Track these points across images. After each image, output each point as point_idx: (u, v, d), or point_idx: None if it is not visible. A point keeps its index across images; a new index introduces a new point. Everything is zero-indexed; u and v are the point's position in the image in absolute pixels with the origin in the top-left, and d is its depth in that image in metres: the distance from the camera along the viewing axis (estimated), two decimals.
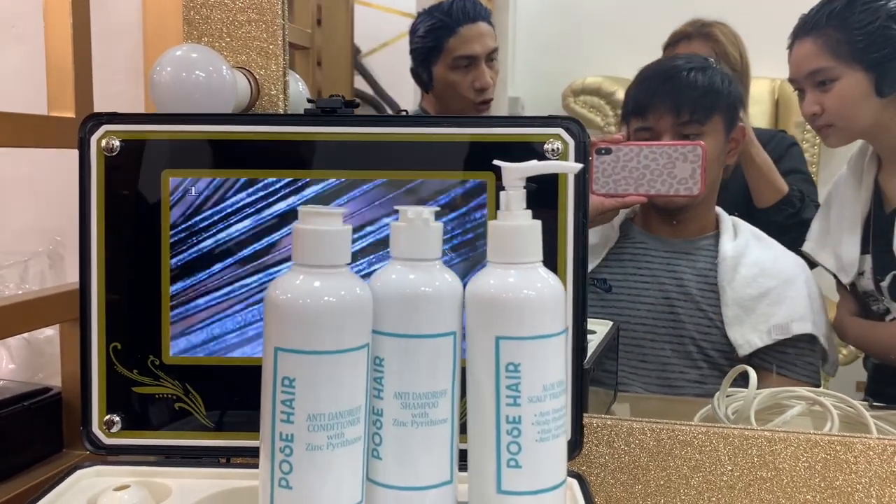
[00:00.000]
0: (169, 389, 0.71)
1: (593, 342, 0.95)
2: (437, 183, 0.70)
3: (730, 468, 0.77)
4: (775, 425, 0.85)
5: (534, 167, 0.55)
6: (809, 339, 1.08)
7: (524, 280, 0.54)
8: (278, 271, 0.70)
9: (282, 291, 0.52)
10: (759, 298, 1.08)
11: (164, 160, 0.71)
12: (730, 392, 0.91)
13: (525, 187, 0.55)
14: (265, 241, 0.71)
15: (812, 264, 1.11)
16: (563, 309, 0.55)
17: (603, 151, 1.04)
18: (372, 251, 0.70)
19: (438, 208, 0.56)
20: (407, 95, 1.42)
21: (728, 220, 1.13)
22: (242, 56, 0.81)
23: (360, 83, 1.43)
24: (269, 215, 0.70)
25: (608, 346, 0.99)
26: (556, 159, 0.69)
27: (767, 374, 1.04)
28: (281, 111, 0.81)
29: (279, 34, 0.81)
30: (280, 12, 0.80)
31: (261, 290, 0.70)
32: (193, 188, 0.71)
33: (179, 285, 0.71)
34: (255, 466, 0.55)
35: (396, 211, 0.56)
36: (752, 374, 0.88)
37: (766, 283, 1.09)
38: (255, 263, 0.71)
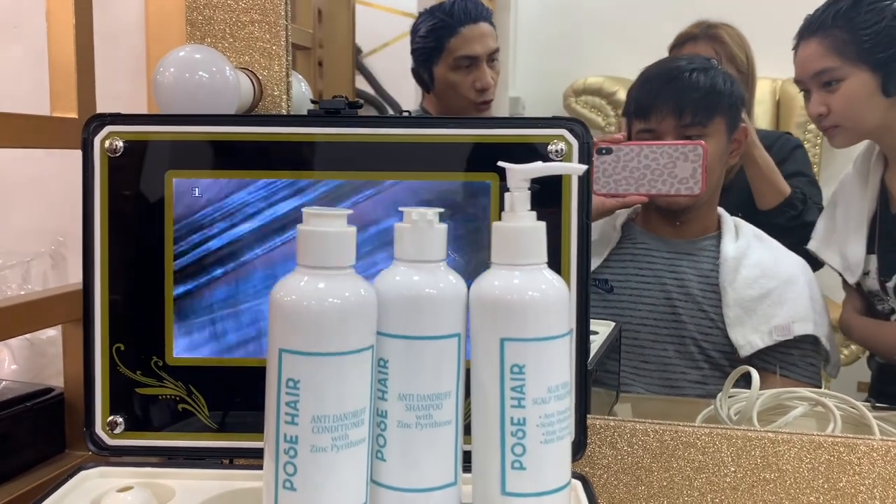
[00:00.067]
0: (172, 390, 0.71)
1: (595, 343, 0.94)
2: (440, 184, 0.70)
3: (733, 469, 0.77)
4: (778, 426, 0.85)
5: (538, 168, 0.55)
6: (811, 340, 1.08)
7: (529, 281, 0.54)
8: (282, 273, 0.70)
9: (286, 293, 0.52)
10: (760, 299, 1.08)
11: (168, 161, 0.71)
12: (732, 393, 0.91)
13: (529, 188, 0.55)
14: (268, 243, 0.70)
15: (815, 265, 1.11)
16: (567, 310, 0.55)
17: (603, 151, 1.04)
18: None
19: (443, 209, 0.56)
20: (408, 95, 1.42)
21: (730, 221, 1.13)
22: (245, 57, 0.81)
23: (361, 83, 1.43)
24: (272, 216, 0.70)
25: (610, 346, 0.99)
26: (560, 160, 0.69)
27: (769, 375, 1.04)
28: (284, 112, 0.81)
29: (282, 35, 0.81)
30: (283, 13, 0.80)
31: (265, 292, 0.70)
32: (197, 189, 0.71)
33: (182, 286, 0.71)
34: (259, 468, 0.55)
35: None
36: (755, 375, 0.88)
37: (767, 283, 1.09)
38: (259, 264, 0.71)
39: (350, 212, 0.53)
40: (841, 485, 0.76)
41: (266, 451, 0.53)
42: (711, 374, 1.09)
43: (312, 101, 0.73)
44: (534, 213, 0.55)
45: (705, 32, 1.24)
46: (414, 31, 1.33)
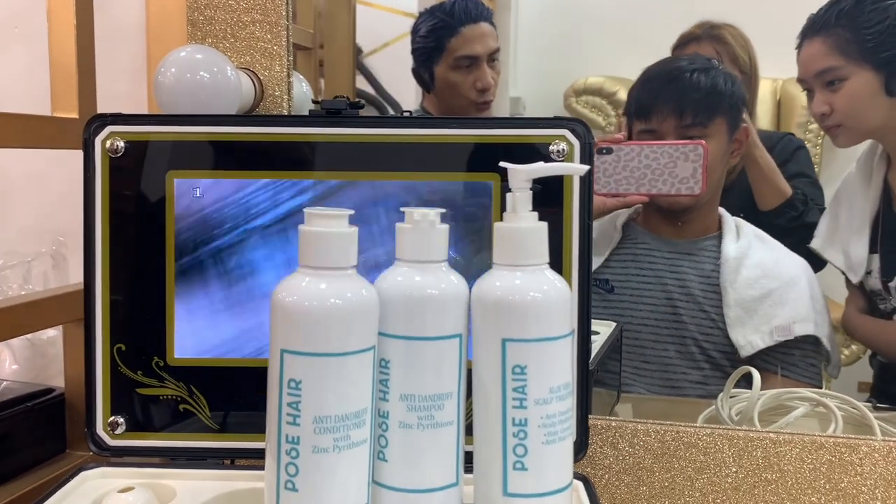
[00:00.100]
0: (173, 391, 0.71)
1: (596, 343, 0.94)
2: (442, 184, 0.70)
3: (734, 470, 0.77)
4: (779, 427, 0.85)
5: (540, 169, 0.55)
6: (812, 340, 1.08)
7: (530, 282, 0.54)
8: (283, 273, 0.70)
9: (288, 293, 0.52)
10: (761, 299, 1.08)
11: (169, 161, 0.71)
12: (733, 393, 0.91)
13: (530, 188, 0.55)
14: (269, 243, 0.70)
15: (816, 266, 1.11)
16: (569, 311, 0.55)
17: (604, 151, 1.03)
18: None
19: (444, 210, 0.56)
20: (408, 95, 1.42)
21: (731, 221, 1.13)
22: (246, 57, 0.81)
23: (362, 83, 1.43)
24: (273, 217, 0.70)
25: (611, 347, 0.99)
26: (562, 161, 0.68)
27: (769, 376, 1.04)
28: (285, 112, 0.81)
29: (283, 35, 0.81)
30: (284, 13, 0.80)
31: (266, 292, 0.70)
32: (198, 189, 0.71)
33: (184, 286, 0.70)
34: (260, 468, 0.55)
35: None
36: (756, 375, 0.88)
37: (768, 284, 1.09)
38: (260, 265, 0.71)
39: (352, 212, 0.53)
40: (842, 485, 0.76)
41: (267, 452, 0.53)
42: (712, 375, 1.09)
43: (314, 102, 0.72)
44: (535, 214, 0.55)
45: (708, 33, 1.24)
46: (414, 30, 1.33)
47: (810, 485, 0.76)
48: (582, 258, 0.69)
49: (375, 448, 0.55)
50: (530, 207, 0.55)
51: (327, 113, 0.71)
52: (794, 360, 1.08)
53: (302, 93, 0.85)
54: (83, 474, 0.68)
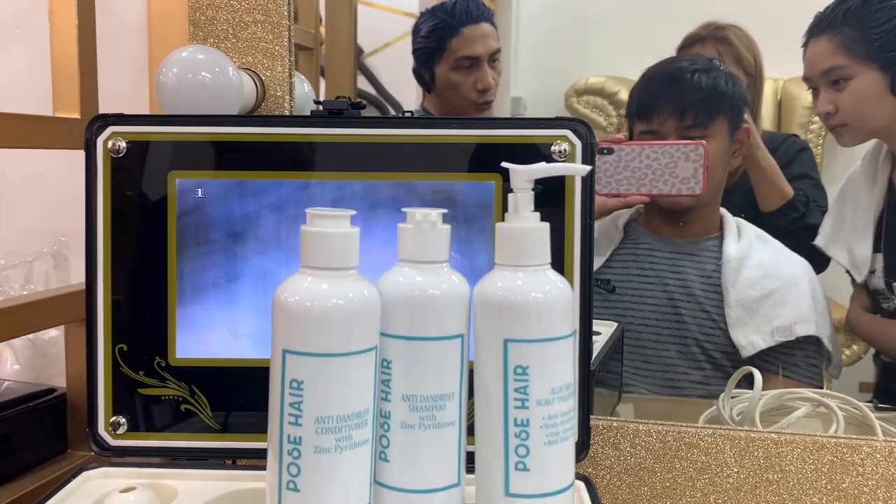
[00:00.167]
0: (175, 391, 0.71)
1: (598, 343, 0.94)
2: (443, 184, 0.70)
3: (736, 470, 0.77)
4: (781, 427, 0.85)
5: (542, 169, 0.55)
6: (813, 340, 1.08)
7: (532, 283, 0.54)
8: (285, 273, 0.70)
9: (290, 294, 0.52)
10: (762, 300, 1.08)
11: (171, 161, 0.71)
12: (734, 393, 0.91)
13: (531, 189, 0.55)
14: (271, 243, 0.70)
15: (818, 267, 1.11)
16: (570, 311, 0.55)
17: (605, 151, 1.03)
18: None
19: (446, 210, 0.56)
20: (409, 95, 1.42)
21: (732, 222, 1.13)
22: (248, 57, 0.81)
23: (363, 83, 1.43)
24: (275, 217, 0.70)
25: (613, 347, 0.99)
26: (563, 161, 0.68)
27: (771, 376, 1.04)
28: (287, 113, 0.81)
29: (285, 35, 0.81)
30: (286, 13, 0.80)
31: (268, 292, 0.70)
32: (199, 189, 0.71)
33: (186, 287, 0.71)
34: (262, 468, 0.55)
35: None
36: (758, 375, 0.88)
37: (769, 284, 1.09)
38: (262, 265, 0.71)
39: (354, 212, 0.53)
40: (844, 486, 0.76)
41: (269, 452, 0.53)
42: (713, 375, 1.09)
43: (315, 102, 0.72)
44: (537, 214, 0.55)
45: (713, 34, 1.24)
46: (415, 31, 1.33)
47: (812, 485, 0.76)
48: (583, 258, 0.69)
49: (377, 448, 0.55)
50: (532, 208, 0.55)
51: (329, 113, 0.71)
52: (795, 360, 1.08)
53: (303, 93, 0.85)
54: (85, 474, 0.68)
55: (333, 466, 0.52)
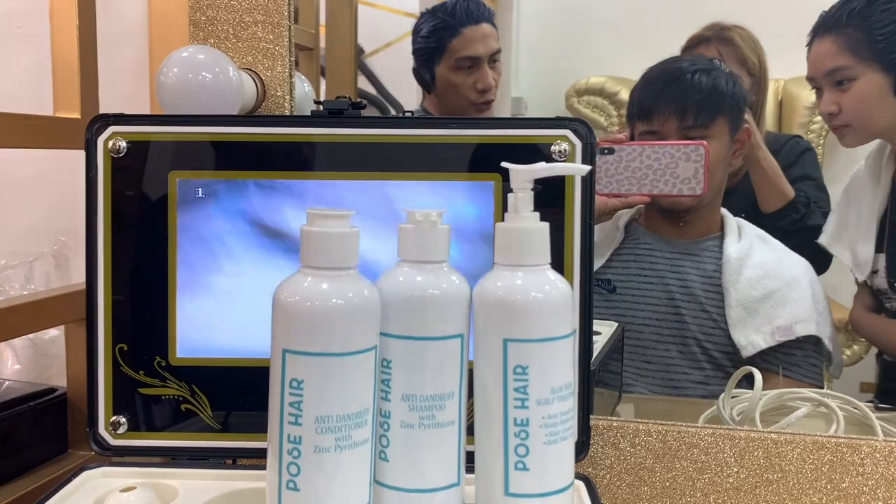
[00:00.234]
0: (175, 391, 0.71)
1: (598, 343, 0.94)
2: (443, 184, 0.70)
3: (736, 470, 0.77)
4: (781, 427, 0.85)
5: (542, 169, 0.55)
6: (814, 340, 1.08)
7: (532, 282, 0.54)
8: (285, 273, 0.70)
9: (290, 293, 0.52)
10: (762, 300, 1.08)
11: (171, 161, 0.71)
12: (734, 393, 0.91)
13: (531, 189, 0.55)
14: (271, 243, 0.70)
15: (820, 269, 1.11)
16: (570, 311, 0.55)
17: (605, 151, 1.03)
18: None
19: (446, 210, 0.56)
20: (410, 95, 1.42)
21: (733, 222, 1.13)
22: (248, 57, 0.81)
23: (364, 83, 1.43)
24: (275, 217, 0.70)
25: (613, 347, 0.99)
26: (563, 161, 0.68)
27: (771, 376, 1.04)
28: (287, 113, 0.81)
29: (285, 35, 0.81)
30: (286, 13, 0.80)
31: (268, 292, 0.70)
32: (200, 189, 0.71)
33: (186, 286, 0.71)
34: (262, 468, 0.55)
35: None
36: (758, 375, 0.88)
37: (770, 284, 1.09)
38: (262, 265, 0.71)
39: (354, 212, 0.53)
40: (844, 485, 0.76)
41: (269, 452, 0.53)
42: (714, 375, 1.09)
43: (315, 102, 0.73)
44: (537, 214, 0.55)
45: (718, 35, 1.24)
46: (416, 31, 1.33)
47: (812, 485, 0.76)
48: (583, 258, 0.69)
49: (377, 448, 0.55)
50: (532, 208, 0.55)
51: (329, 113, 0.71)
52: (795, 360, 1.08)
53: (304, 93, 0.85)
54: (85, 474, 0.68)
55: (333, 466, 0.52)
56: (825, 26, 1.05)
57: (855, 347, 1.25)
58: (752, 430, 0.78)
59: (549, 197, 0.67)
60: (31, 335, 1.08)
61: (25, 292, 1.18)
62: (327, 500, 0.52)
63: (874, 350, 1.16)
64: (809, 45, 1.07)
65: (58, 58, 0.90)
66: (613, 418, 0.80)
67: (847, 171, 1.15)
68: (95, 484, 0.67)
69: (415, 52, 1.34)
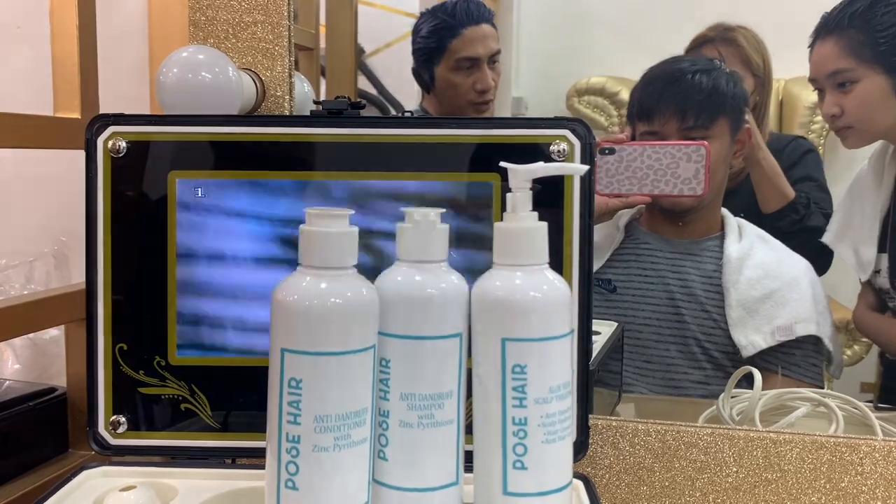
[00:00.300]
0: (175, 390, 0.71)
1: (598, 343, 0.94)
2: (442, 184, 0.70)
3: (735, 469, 0.77)
4: (780, 427, 0.85)
5: (540, 169, 0.55)
6: (813, 340, 1.08)
7: (531, 282, 0.54)
8: (284, 273, 0.70)
9: (288, 293, 0.52)
10: (763, 300, 1.08)
11: (171, 161, 0.71)
12: (734, 393, 0.91)
13: (530, 188, 0.55)
14: (271, 243, 0.71)
15: (820, 269, 1.11)
16: (569, 311, 0.55)
17: (606, 151, 1.04)
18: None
19: (444, 210, 0.56)
20: (410, 96, 1.43)
21: (733, 222, 1.13)
22: (248, 57, 0.81)
23: (364, 83, 1.43)
24: (274, 216, 0.70)
25: (612, 347, 0.99)
26: (562, 161, 0.69)
27: (771, 376, 1.04)
28: (287, 113, 0.81)
29: (285, 35, 0.81)
30: (286, 13, 0.80)
31: (267, 292, 0.70)
32: (199, 189, 0.71)
33: (185, 286, 0.71)
34: (261, 467, 0.55)
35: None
36: (757, 375, 0.88)
37: (770, 284, 1.09)
38: (261, 264, 0.71)
39: (352, 212, 0.54)
40: (843, 485, 0.76)
41: (268, 451, 0.53)
42: (714, 375, 1.09)
43: (315, 102, 0.73)
44: (535, 214, 0.55)
45: (722, 35, 1.24)
46: (415, 31, 1.33)
47: (811, 484, 0.76)
48: (582, 258, 0.69)
49: (376, 447, 0.56)
50: (530, 207, 0.55)
51: (328, 113, 0.71)
52: (795, 359, 1.08)
53: (303, 93, 0.86)
54: (85, 473, 0.68)
55: (332, 465, 0.52)
56: (827, 28, 1.05)
57: (855, 347, 1.25)
58: (752, 430, 0.78)
59: (549, 197, 0.67)
60: (31, 335, 1.08)
61: (26, 292, 1.18)
62: (326, 499, 0.52)
63: (874, 350, 1.16)
64: (811, 46, 1.07)
65: (58, 58, 0.90)
66: (613, 418, 0.80)
67: (848, 170, 1.15)
68: (95, 483, 0.67)
69: (414, 52, 1.34)
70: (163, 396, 0.71)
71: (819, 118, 1.45)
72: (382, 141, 0.70)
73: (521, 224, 0.55)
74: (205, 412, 0.71)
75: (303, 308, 0.52)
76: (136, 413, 0.71)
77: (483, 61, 1.30)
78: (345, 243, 0.53)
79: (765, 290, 1.09)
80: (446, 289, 0.55)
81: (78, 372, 0.94)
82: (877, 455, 0.75)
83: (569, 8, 1.66)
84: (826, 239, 1.11)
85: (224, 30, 0.81)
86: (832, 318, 1.10)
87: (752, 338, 1.07)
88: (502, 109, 1.45)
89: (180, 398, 0.71)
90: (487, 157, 0.69)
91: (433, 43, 1.30)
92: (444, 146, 0.70)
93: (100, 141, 0.71)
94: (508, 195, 0.55)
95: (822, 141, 1.46)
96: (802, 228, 1.13)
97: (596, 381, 0.88)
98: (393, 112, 1.44)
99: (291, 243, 0.70)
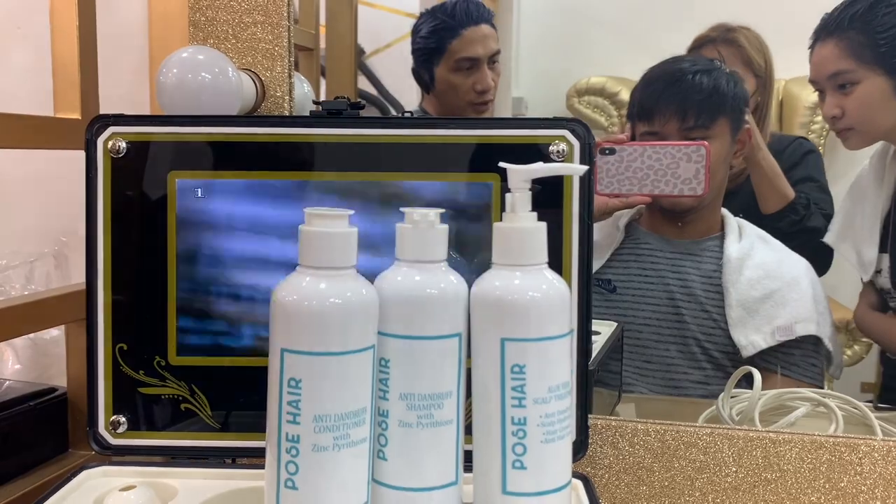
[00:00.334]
0: (175, 390, 0.71)
1: (597, 343, 0.95)
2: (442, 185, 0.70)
3: (734, 469, 0.77)
4: (780, 426, 0.85)
5: (539, 169, 0.55)
6: (813, 340, 1.08)
7: (530, 282, 0.54)
8: (284, 273, 0.70)
9: (288, 293, 0.52)
10: (763, 300, 1.09)
11: (170, 162, 0.71)
12: (734, 393, 0.91)
13: (530, 189, 0.55)
14: (270, 243, 0.71)
15: (820, 271, 1.11)
16: (568, 311, 0.55)
17: (607, 151, 1.04)
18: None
19: (444, 210, 0.56)
20: (410, 96, 1.43)
21: (733, 222, 1.13)
22: (248, 58, 0.81)
23: (364, 83, 1.43)
24: (274, 217, 0.71)
25: (612, 347, 0.99)
26: (562, 161, 0.69)
27: (771, 376, 1.04)
28: (286, 113, 0.81)
29: (284, 36, 0.81)
30: (285, 14, 0.81)
31: (267, 292, 0.70)
32: (199, 189, 0.71)
33: (185, 286, 0.71)
34: (261, 467, 0.55)
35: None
36: (757, 375, 0.88)
37: (770, 284, 1.09)
38: (261, 265, 0.71)
39: (352, 212, 0.54)
40: (842, 485, 0.76)
41: (268, 451, 0.54)
42: (714, 375, 1.09)
43: (314, 102, 0.73)
44: (534, 214, 0.55)
45: (724, 36, 1.24)
46: (415, 31, 1.33)
47: (810, 484, 0.76)
48: (582, 258, 0.69)
49: (375, 447, 0.56)
50: (529, 207, 0.55)
51: (328, 114, 0.71)
52: (794, 359, 1.08)
53: (303, 93, 0.86)
54: (85, 473, 0.68)
55: (331, 465, 0.52)
56: (827, 29, 1.05)
57: (856, 347, 1.25)
58: (751, 430, 0.78)
59: (548, 197, 0.67)
60: (31, 335, 1.09)
61: (26, 292, 1.18)
62: (325, 498, 0.52)
63: (875, 350, 1.16)
64: (812, 48, 1.07)
65: (58, 58, 0.90)
66: (612, 417, 0.80)
67: (848, 170, 1.15)
68: (95, 483, 0.68)
69: (414, 52, 1.34)
70: (163, 396, 0.71)
71: (819, 118, 1.45)
72: (382, 141, 0.70)
73: (519, 224, 0.55)
74: (205, 412, 0.71)
75: (302, 308, 0.52)
76: (136, 413, 0.71)
77: (483, 62, 1.30)
78: (344, 243, 0.53)
79: (765, 291, 1.09)
80: (446, 289, 0.55)
81: (78, 372, 0.94)
82: (876, 455, 0.75)
83: (568, 8, 1.66)
84: (828, 239, 1.11)
85: (224, 30, 0.81)
86: (832, 319, 1.10)
87: (752, 338, 1.07)
88: (502, 110, 1.45)
89: (180, 398, 0.71)
90: (487, 158, 0.69)
91: (433, 43, 1.30)
92: (444, 146, 0.70)
93: (100, 141, 0.71)
94: (507, 195, 0.55)
95: (822, 141, 1.46)
96: (802, 229, 1.13)
97: (596, 381, 0.88)
98: (393, 112, 1.44)
99: (291, 243, 0.70)
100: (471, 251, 0.69)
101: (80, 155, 0.71)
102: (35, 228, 1.29)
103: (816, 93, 1.10)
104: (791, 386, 1.00)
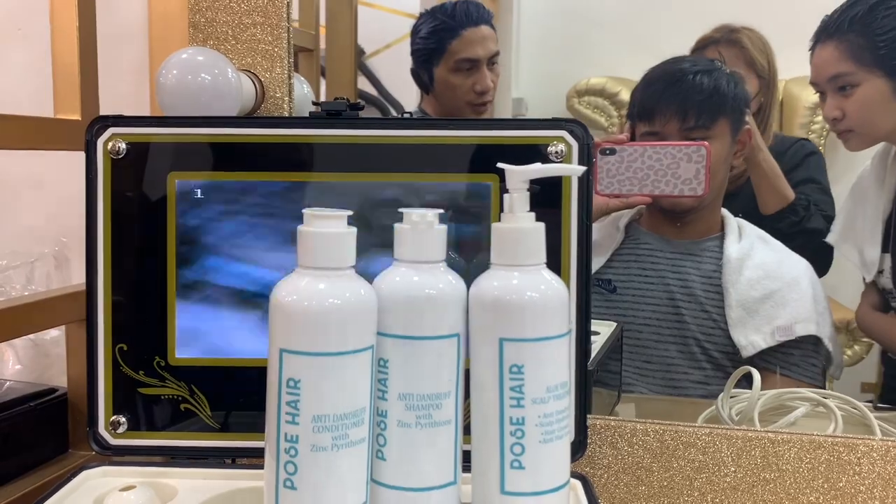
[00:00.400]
0: (174, 390, 0.71)
1: (597, 343, 0.95)
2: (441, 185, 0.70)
3: (733, 469, 0.77)
4: (779, 426, 0.85)
5: (537, 170, 0.55)
6: (813, 340, 1.08)
7: (528, 282, 0.54)
8: (283, 273, 0.70)
9: (287, 293, 0.53)
10: (763, 300, 1.09)
11: (170, 162, 0.71)
12: (734, 393, 0.91)
13: (528, 189, 0.55)
14: (269, 243, 0.71)
15: (820, 271, 1.11)
16: (566, 311, 0.55)
17: (607, 152, 1.04)
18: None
19: (442, 211, 0.56)
20: (410, 96, 1.43)
21: (733, 222, 1.13)
22: (248, 59, 0.81)
23: (364, 84, 1.43)
24: (274, 217, 0.71)
25: (612, 347, 0.99)
26: (560, 161, 0.69)
27: (771, 376, 1.04)
28: (286, 114, 0.82)
29: (284, 37, 0.81)
30: (285, 15, 0.81)
31: (266, 292, 0.70)
32: (199, 190, 0.71)
33: (185, 287, 0.71)
34: (261, 467, 0.55)
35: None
36: (756, 375, 0.88)
37: (770, 284, 1.09)
38: (260, 265, 0.71)
39: (350, 212, 0.54)
40: (841, 485, 0.76)
41: (267, 451, 0.54)
42: (714, 375, 1.09)
43: (314, 103, 0.73)
44: (532, 214, 0.55)
45: (727, 37, 1.24)
46: (415, 31, 1.33)
47: (808, 484, 0.76)
48: (580, 258, 0.69)
49: (374, 447, 0.56)
50: (528, 208, 0.55)
51: (327, 115, 0.71)
52: (794, 359, 1.08)
53: (303, 94, 0.86)
54: (85, 473, 0.68)
55: (330, 465, 0.52)
56: (827, 32, 1.05)
57: (856, 348, 1.25)
58: (750, 430, 0.78)
59: (547, 197, 0.68)
60: (32, 335, 1.09)
61: (26, 293, 1.18)
62: (324, 498, 0.52)
63: (875, 350, 1.16)
64: (812, 50, 1.08)
65: (58, 58, 0.91)
66: (611, 418, 0.80)
67: (848, 171, 1.15)
68: (95, 483, 0.68)
69: (413, 52, 1.34)
70: (162, 396, 0.71)
71: (819, 118, 1.45)
72: (381, 142, 0.70)
73: (518, 224, 0.55)
74: (204, 412, 0.71)
75: (301, 308, 0.52)
76: (136, 413, 0.71)
77: (482, 62, 1.30)
78: (343, 244, 0.53)
79: (765, 291, 1.09)
80: (444, 289, 0.55)
81: (78, 372, 0.94)
82: (875, 455, 0.75)
83: (569, 9, 1.66)
84: (830, 239, 1.11)
85: (224, 31, 0.82)
86: (832, 319, 1.10)
87: (751, 338, 1.07)
88: (502, 110, 1.45)
89: (180, 398, 0.71)
90: (486, 158, 0.69)
91: (432, 44, 1.31)
92: (443, 147, 0.70)
93: (100, 142, 0.71)
94: (506, 196, 0.55)
95: (823, 141, 1.46)
96: (802, 230, 1.13)
97: (595, 381, 0.88)
98: (393, 113, 1.44)
99: (290, 244, 0.70)
100: (469, 251, 0.69)
101: (80, 156, 0.71)
102: (35, 229, 1.29)
103: (817, 94, 1.10)
104: (791, 386, 1.00)
